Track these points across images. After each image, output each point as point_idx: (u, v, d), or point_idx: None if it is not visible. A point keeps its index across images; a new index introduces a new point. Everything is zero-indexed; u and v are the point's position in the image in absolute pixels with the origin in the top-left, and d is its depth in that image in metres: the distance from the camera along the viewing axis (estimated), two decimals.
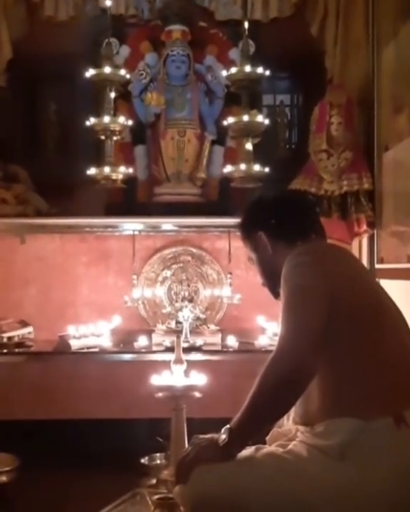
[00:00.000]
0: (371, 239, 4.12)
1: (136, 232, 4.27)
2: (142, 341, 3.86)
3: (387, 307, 1.89)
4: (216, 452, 1.77)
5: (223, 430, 1.78)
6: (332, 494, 1.67)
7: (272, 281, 2.08)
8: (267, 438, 2.17)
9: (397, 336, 1.83)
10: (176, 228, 4.32)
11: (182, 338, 3.37)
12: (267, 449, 1.88)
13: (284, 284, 1.84)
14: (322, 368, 1.72)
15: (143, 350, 3.82)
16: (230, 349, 3.83)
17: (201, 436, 1.89)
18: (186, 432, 3.10)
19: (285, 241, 2.05)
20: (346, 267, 1.93)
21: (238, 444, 1.77)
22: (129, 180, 4.32)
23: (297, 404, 1.87)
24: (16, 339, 3.87)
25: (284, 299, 1.81)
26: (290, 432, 2.01)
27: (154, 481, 3.17)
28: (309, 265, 1.85)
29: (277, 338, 1.80)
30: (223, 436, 1.76)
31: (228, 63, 4.47)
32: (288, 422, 2.14)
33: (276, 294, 2.04)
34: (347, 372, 1.74)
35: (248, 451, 1.85)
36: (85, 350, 3.76)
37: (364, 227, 4.03)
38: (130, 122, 4.27)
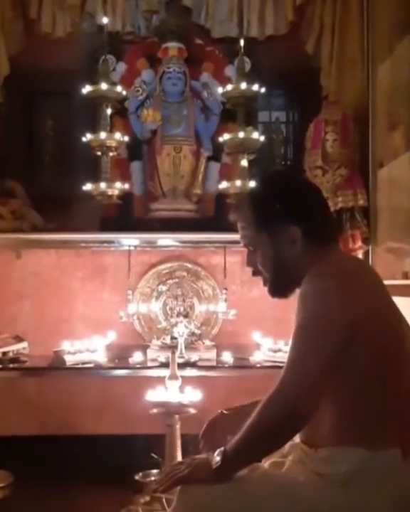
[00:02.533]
0: (366, 255, 4.13)
1: (131, 248, 4.27)
2: (136, 357, 3.86)
3: (406, 337, 1.77)
4: (208, 474, 1.72)
5: (217, 452, 1.73)
6: None
7: (279, 279, 1.91)
8: None
9: None
10: (171, 244, 4.33)
11: (177, 353, 3.37)
12: (262, 469, 1.86)
13: (301, 305, 1.72)
14: (336, 393, 1.68)
15: (138, 366, 3.81)
16: (226, 365, 3.82)
17: (197, 456, 1.84)
18: (180, 448, 3.09)
19: (318, 242, 1.84)
20: (370, 293, 1.77)
21: (231, 469, 1.72)
22: (125, 196, 4.33)
23: None
24: (10, 354, 3.86)
25: (297, 324, 1.71)
26: (284, 449, 2.00)
27: (148, 498, 3.16)
28: (332, 293, 1.68)
29: (284, 357, 1.76)
30: (217, 459, 1.71)
31: (224, 80, 4.49)
32: None
33: (277, 291, 1.94)
34: (360, 401, 1.69)
35: (242, 471, 1.84)
36: (80, 366, 3.75)
37: (359, 243, 4.04)
38: (126, 138, 4.28)
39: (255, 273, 1.97)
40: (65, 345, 3.81)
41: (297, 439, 1.88)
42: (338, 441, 1.69)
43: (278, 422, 1.64)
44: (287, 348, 3.76)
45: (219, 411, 2.06)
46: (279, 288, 1.94)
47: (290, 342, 1.72)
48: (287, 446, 1.97)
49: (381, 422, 1.67)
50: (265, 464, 1.90)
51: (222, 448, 1.73)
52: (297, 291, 1.84)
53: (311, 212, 1.85)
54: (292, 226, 1.82)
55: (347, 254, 1.90)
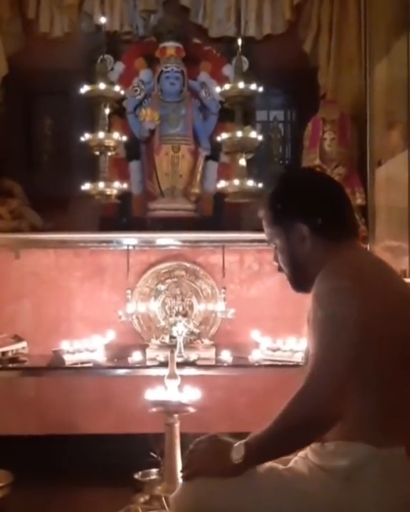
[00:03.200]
0: None
1: (130, 247, 4.28)
2: (136, 356, 3.86)
3: None
4: (227, 467, 1.71)
5: (237, 444, 1.71)
6: None
7: (297, 275, 1.93)
8: None
9: None
10: (170, 243, 4.33)
11: (176, 352, 3.37)
12: (268, 463, 1.87)
13: (317, 306, 1.72)
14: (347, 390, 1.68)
15: (137, 365, 3.82)
16: (225, 364, 3.83)
17: (216, 437, 1.81)
18: (179, 447, 3.10)
19: (329, 239, 1.85)
20: (384, 292, 1.77)
21: (252, 465, 1.71)
22: (124, 196, 4.34)
23: None
24: (9, 354, 3.87)
25: (316, 325, 1.72)
26: None
27: (147, 497, 3.16)
28: (346, 293, 1.69)
29: (309, 356, 1.72)
30: (240, 454, 1.69)
31: (221, 80, 4.49)
32: None
33: (297, 287, 1.95)
34: (369, 399, 1.69)
35: None
36: (79, 365, 3.76)
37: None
38: (125, 138, 4.29)
39: (280, 269, 2.00)
40: (64, 345, 3.81)
41: None
42: (344, 436, 1.70)
43: (306, 420, 1.63)
44: (286, 347, 3.79)
45: (210, 435, 1.86)
46: (299, 283, 1.94)
47: (314, 336, 1.72)
48: None
49: (388, 420, 1.68)
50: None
51: (243, 441, 1.71)
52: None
53: (320, 210, 1.87)
54: (298, 224, 1.85)
55: (364, 251, 1.87)
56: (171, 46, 4.55)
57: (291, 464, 1.82)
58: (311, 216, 1.85)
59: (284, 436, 1.68)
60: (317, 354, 1.69)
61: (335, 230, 1.86)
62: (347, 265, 1.79)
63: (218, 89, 4.35)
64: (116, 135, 4.18)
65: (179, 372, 3.15)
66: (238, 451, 1.70)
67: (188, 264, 4.35)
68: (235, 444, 1.72)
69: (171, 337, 3.93)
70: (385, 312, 1.71)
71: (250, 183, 4.19)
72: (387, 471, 1.66)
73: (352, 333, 1.65)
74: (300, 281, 1.93)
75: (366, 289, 1.71)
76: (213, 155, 4.64)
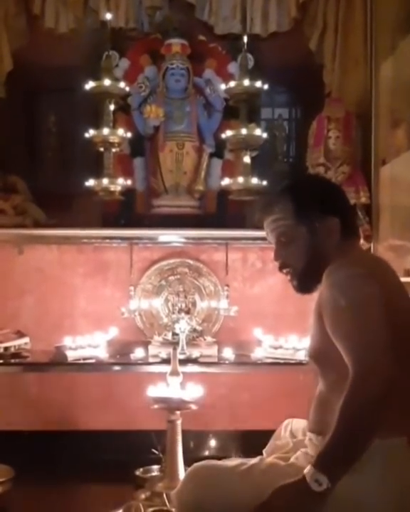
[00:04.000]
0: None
1: (133, 244, 4.28)
2: (138, 353, 3.86)
3: None
4: (311, 500, 1.61)
5: (312, 474, 1.61)
6: (335, 508, 1.65)
7: (308, 273, 1.94)
8: (264, 450, 2.17)
9: None
10: (173, 240, 4.33)
11: (178, 349, 3.38)
12: (270, 459, 1.87)
13: (338, 294, 1.73)
14: (345, 380, 1.66)
15: (139, 362, 3.82)
16: (227, 361, 3.83)
17: (282, 485, 1.68)
18: (181, 444, 3.10)
19: (349, 235, 1.95)
20: (393, 283, 1.86)
21: (337, 481, 1.62)
22: (128, 192, 4.33)
23: (314, 411, 1.87)
24: (12, 350, 3.87)
25: (341, 312, 1.70)
26: (288, 445, 2.01)
27: (148, 494, 3.17)
28: (365, 278, 1.73)
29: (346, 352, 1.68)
30: (325, 482, 1.59)
31: (227, 77, 4.49)
32: (285, 434, 2.13)
33: (302, 286, 1.97)
34: None
35: (251, 460, 1.85)
36: (82, 362, 3.76)
37: (361, 240, 4.04)
38: (129, 134, 4.28)
39: (281, 267, 2.01)
40: (67, 341, 3.82)
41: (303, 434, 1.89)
42: None
43: (380, 391, 1.58)
44: (288, 345, 3.78)
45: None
46: (305, 282, 1.96)
47: (341, 325, 1.71)
48: (291, 443, 1.99)
49: (389, 411, 1.64)
50: (270, 458, 1.92)
51: (311, 467, 1.62)
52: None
53: (346, 207, 2.00)
54: (330, 217, 1.92)
55: (367, 251, 2.01)
56: (176, 43, 4.54)
57: (292, 459, 1.83)
58: (343, 212, 1.95)
59: (361, 425, 1.62)
60: (351, 343, 1.66)
61: (354, 226, 2.00)
62: (359, 258, 1.88)
63: (223, 87, 4.34)
64: (120, 131, 4.18)
65: (181, 369, 3.16)
66: (318, 481, 1.61)
67: (191, 261, 4.35)
68: (307, 473, 1.62)
69: (174, 334, 3.92)
70: (396, 299, 1.77)
71: (255, 180, 4.18)
72: (389, 462, 1.68)
73: (380, 313, 1.66)
74: (308, 278, 1.94)
75: (380, 276, 1.77)
76: (218, 152, 4.63)
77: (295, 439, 2.03)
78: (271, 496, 1.66)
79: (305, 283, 1.97)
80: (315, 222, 1.92)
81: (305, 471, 1.63)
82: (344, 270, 1.77)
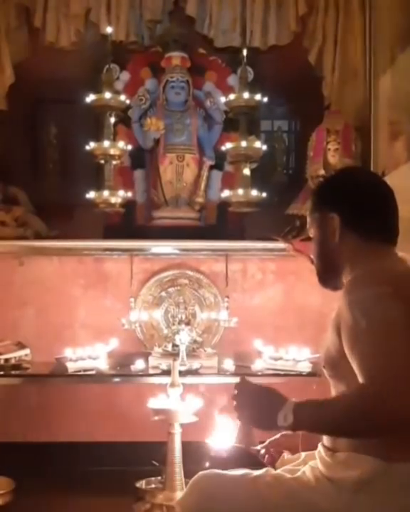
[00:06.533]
0: None
1: (134, 255, 4.29)
2: (138, 364, 3.86)
3: None
4: (270, 428, 1.71)
5: (286, 411, 1.64)
6: None
7: (324, 268, 1.92)
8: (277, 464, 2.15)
9: None
10: (174, 251, 4.34)
11: (179, 361, 3.38)
12: (276, 472, 1.87)
13: (360, 314, 1.64)
14: None
15: (140, 373, 3.82)
16: (227, 373, 3.83)
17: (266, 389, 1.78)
18: (181, 455, 3.10)
19: (360, 234, 1.84)
20: None
21: (295, 431, 1.70)
22: (128, 204, 4.35)
23: None
24: (12, 361, 3.86)
25: (361, 333, 1.63)
26: (299, 458, 2.00)
27: (148, 506, 3.16)
28: (390, 297, 1.62)
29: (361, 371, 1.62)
30: (288, 422, 1.63)
31: (226, 90, 4.52)
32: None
33: (322, 281, 1.94)
34: None
35: (256, 471, 1.84)
36: (82, 373, 3.76)
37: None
38: (130, 147, 4.31)
39: (312, 261, 2.00)
40: (67, 352, 3.82)
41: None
42: (356, 448, 1.68)
43: (386, 423, 1.53)
44: (288, 356, 3.78)
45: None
46: (324, 279, 1.94)
47: (362, 346, 1.64)
48: (302, 454, 1.98)
49: (400, 435, 1.61)
50: (279, 470, 1.91)
51: (292, 407, 1.64)
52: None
53: (356, 205, 1.86)
54: (331, 214, 1.84)
55: (402, 259, 1.85)
56: (176, 56, 4.58)
57: (299, 473, 1.82)
58: (348, 208, 1.85)
59: (337, 432, 1.64)
60: (368, 365, 1.60)
61: (368, 226, 1.85)
62: (385, 271, 1.75)
63: (223, 99, 4.38)
64: (121, 144, 4.21)
65: (181, 380, 3.16)
66: (285, 417, 1.64)
67: (191, 273, 4.36)
68: (286, 406, 1.65)
69: (174, 345, 3.92)
70: None
71: (254, 192, 4.20)
72: (396, 486, 1.64)
73: (403, 338, 1.57)
74: (326, 274, 1.92)
75: (407, 295, 1.65)
76: (218, 164, 4.66)
77: (308, 452, 2.01)
78: (248, 390, 1.81)
79: (323, 279, 1.94)
80: (321, 216, 1.89)
81: (288, 401, 1.66)
82: (368, 288, 1.67)
